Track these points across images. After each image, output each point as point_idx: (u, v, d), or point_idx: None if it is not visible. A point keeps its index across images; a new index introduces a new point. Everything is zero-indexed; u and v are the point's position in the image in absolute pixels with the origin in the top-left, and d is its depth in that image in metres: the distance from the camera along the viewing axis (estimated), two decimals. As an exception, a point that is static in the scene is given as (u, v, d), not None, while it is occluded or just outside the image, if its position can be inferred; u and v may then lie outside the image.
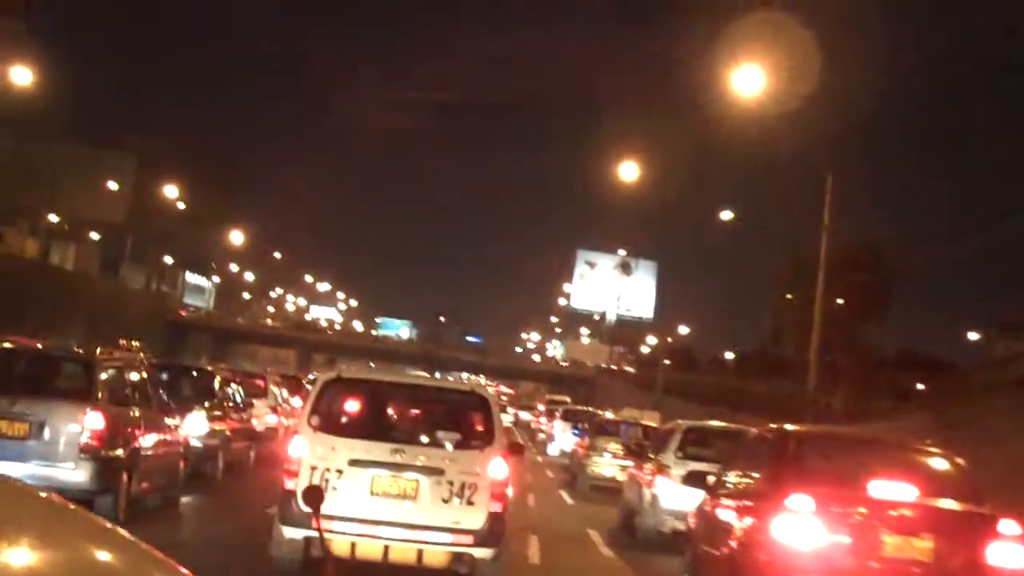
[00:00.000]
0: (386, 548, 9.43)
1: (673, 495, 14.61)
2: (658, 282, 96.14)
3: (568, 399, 64.76)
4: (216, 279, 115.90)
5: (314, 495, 4.91)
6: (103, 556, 1.59)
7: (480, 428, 10.31)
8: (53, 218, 68.72)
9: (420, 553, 9.48)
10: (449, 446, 9.90)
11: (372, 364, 77.51)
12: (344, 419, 10.59)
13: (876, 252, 45.16)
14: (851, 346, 43.03)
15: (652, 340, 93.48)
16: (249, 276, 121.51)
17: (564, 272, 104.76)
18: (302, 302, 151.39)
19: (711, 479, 11.16)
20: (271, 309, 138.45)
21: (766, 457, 9.28)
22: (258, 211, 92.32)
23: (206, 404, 17.10)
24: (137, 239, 79.42)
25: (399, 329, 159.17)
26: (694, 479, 12.15)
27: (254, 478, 18.63)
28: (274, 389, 23.54)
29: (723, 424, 17.89)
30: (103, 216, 69.96)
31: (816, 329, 25.47)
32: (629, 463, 21.60)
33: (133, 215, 69.86)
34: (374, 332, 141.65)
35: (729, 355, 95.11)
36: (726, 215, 45.15)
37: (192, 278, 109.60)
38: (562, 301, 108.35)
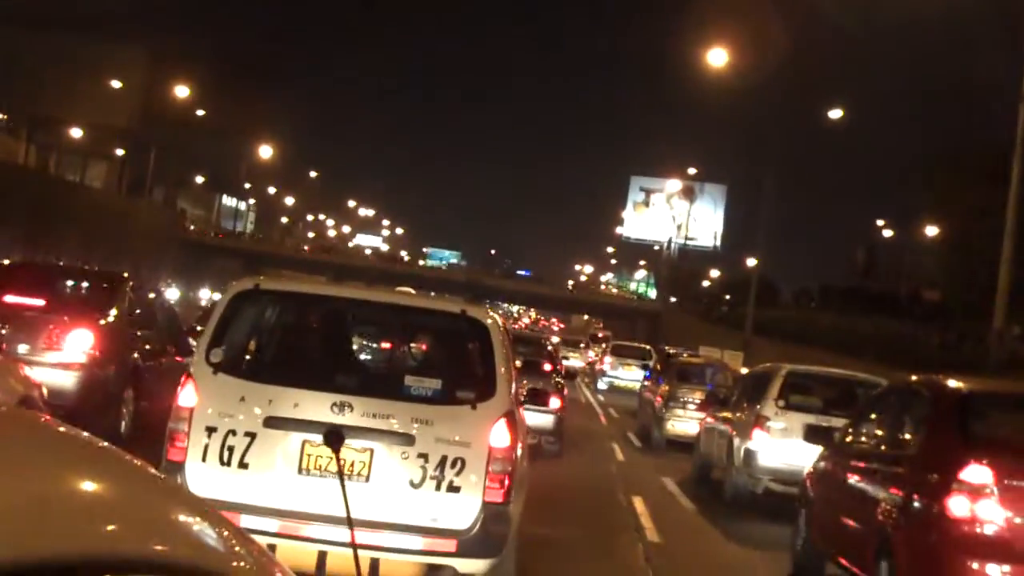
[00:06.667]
0: (321, 556, 5.85)
1: (772, 451, 12.79)
2: (727, 208, 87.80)
3: (606, 331, 57.75)
4: (252, 201, 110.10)
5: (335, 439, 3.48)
6: (89, 485, 1.21)
7: (474, 372, 6.71)
8: (76, 132, 62.32)
9: (375, 564, 5.88)
10: (424, 400, 6.27)
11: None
12: (262, 356, 7.18)
13: None
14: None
15: (715, 273, 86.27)
16: (289, 201, 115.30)
17: (618, 201, 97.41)
18: (346, 229, 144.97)
19: (837, 435, 9.70)
20: (311, 236, 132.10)
21: (925, 416, 7.71)
22: (290, 124, 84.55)
23: None
24: (158, 155, 72.67)
25: (448, 259, 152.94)
26: (816, 435, 10.64)
27: None
28: None
29: (834, 370, 15.30)
30: (107, 120, 62.61)
31: (1008, 238, 17.86)
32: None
33: (146, 121, 62.42)
34: (421, 262, 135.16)
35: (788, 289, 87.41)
36: (835, 113, 37.67)
37: (228, 201, 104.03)
38: (618, 230, 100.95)
